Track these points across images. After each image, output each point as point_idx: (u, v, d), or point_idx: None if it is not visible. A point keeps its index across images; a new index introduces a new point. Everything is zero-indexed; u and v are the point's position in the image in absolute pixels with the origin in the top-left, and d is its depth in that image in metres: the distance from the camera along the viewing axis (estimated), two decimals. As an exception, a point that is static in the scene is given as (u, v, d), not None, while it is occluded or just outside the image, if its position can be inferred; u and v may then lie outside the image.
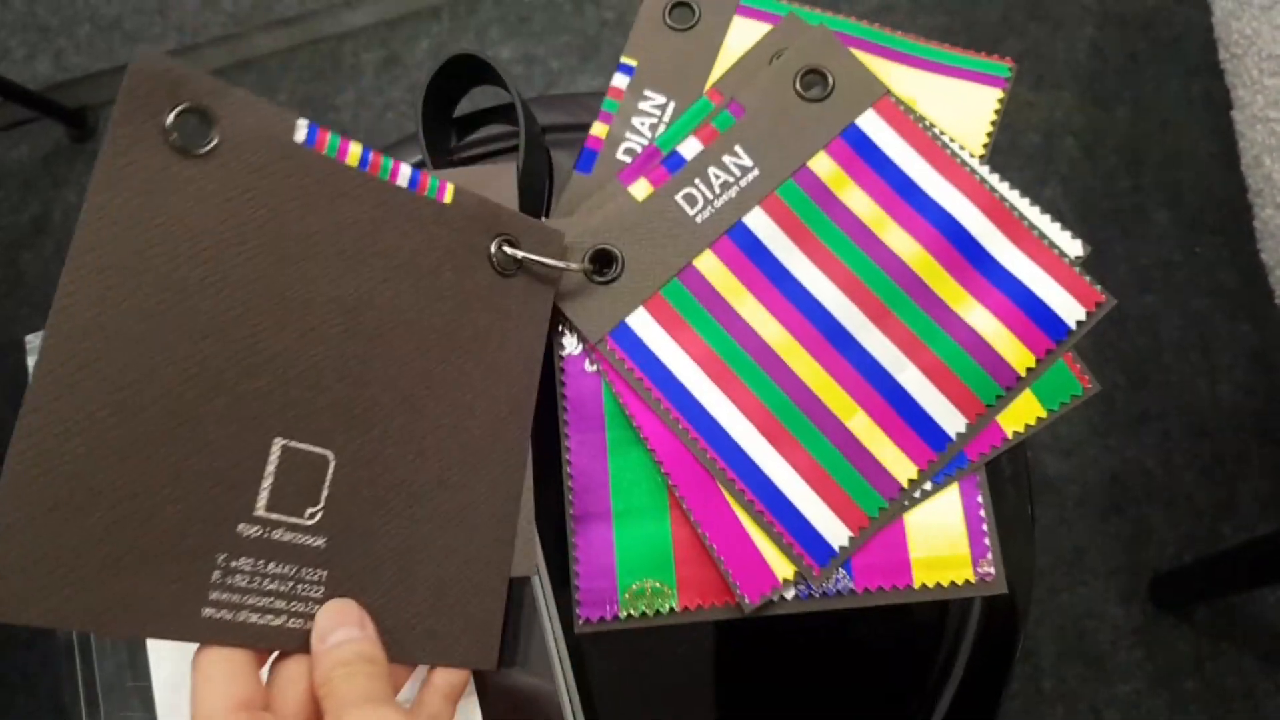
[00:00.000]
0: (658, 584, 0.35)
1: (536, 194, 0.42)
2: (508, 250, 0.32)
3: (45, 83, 1.05)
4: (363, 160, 0.29)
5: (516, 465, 0.33)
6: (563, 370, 0.36)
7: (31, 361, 0.35)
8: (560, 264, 0.34)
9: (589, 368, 0.36)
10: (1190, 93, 0.98)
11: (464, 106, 0.43)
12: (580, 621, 0.34)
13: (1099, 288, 0.35)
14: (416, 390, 0.30)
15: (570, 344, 0.37)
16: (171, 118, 0.26)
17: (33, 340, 0.37)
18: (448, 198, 0.31)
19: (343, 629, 0.27)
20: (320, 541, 0.28)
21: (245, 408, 0.27)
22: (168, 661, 0.32)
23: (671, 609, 0.34)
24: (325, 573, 0.28)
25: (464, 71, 0.40)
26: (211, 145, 0.26)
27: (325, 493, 0.29)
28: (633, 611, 0.34)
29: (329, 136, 0.29)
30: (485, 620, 0.31)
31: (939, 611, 0.39)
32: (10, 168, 1.03)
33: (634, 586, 0.35)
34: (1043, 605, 0.84)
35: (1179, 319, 0.91)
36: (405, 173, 0.30)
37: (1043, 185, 0.95)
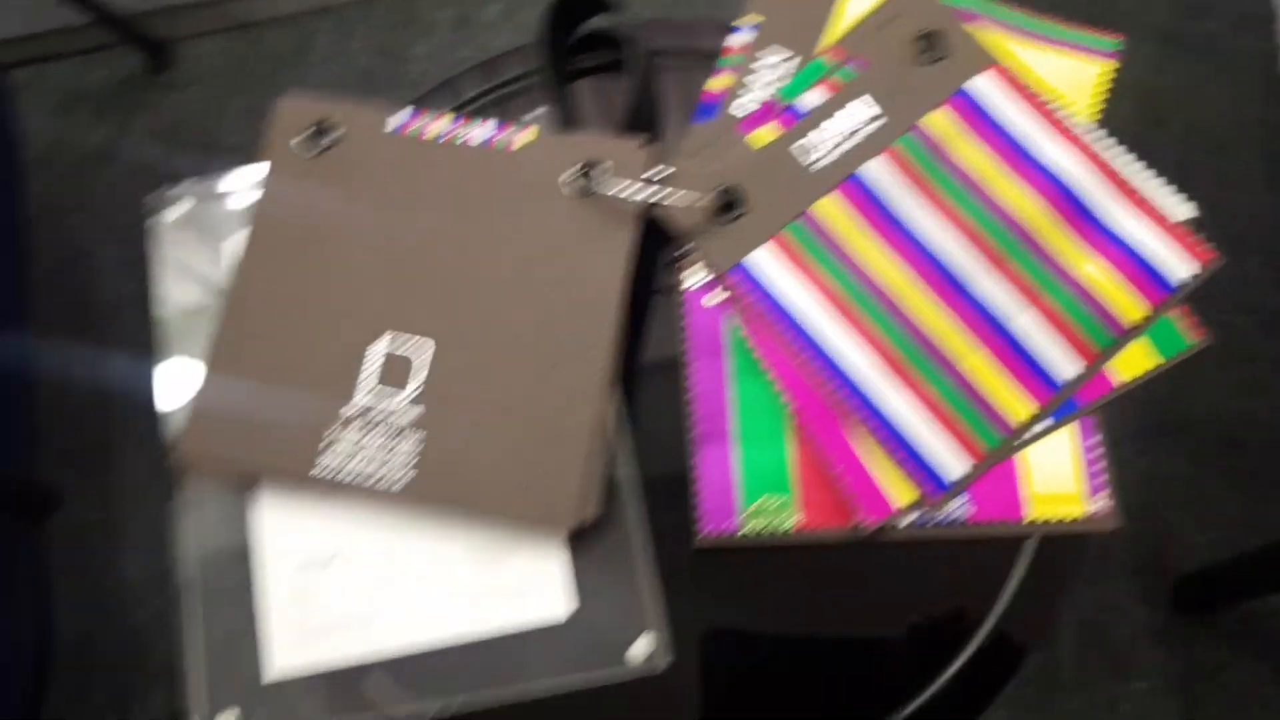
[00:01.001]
0: (780, 501, 0.35)
1: (646, 116, 0.43)
2: (583, 181, 0.38)
3: (127, 14, 1.07)
4: (440, 135, 0.40)
5: (598, 351, 0.36)
6: (683, 304, 0.38)
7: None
8: (675, 201, 0.36)
9: (709, 302, 0.38)
10: (1242, 116, 1.00)
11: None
12: (701, 535, 0.35)
13: (1209, 245, 0.36)
14: (502, 291, 0.37)
15: (690, 279, 0.38)
16: (305, 133, 0.39)
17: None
18: (517, 146, 0.39)
19: None
20: (419, 410, 0.36)
21: (363, 312, 0.37)
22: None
23: (790, 528, 0.35)
24: (424, 433, 0.36)
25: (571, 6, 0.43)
26: (331, 142, 0.39)
27: (426, 371, 0.36)
28: (754, 527, 0.35)
29: (414, 123, 0.40)
30: (561, 488, 0.35)
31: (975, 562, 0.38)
32: (86, 91, 1.05)
33: (756, 504, 0.35)
34: (1067, 596, 0.84)
35: (1220, 333, 0.92)
36: (479, 135, 0.39)
37: (1094, 192, 0.97)
